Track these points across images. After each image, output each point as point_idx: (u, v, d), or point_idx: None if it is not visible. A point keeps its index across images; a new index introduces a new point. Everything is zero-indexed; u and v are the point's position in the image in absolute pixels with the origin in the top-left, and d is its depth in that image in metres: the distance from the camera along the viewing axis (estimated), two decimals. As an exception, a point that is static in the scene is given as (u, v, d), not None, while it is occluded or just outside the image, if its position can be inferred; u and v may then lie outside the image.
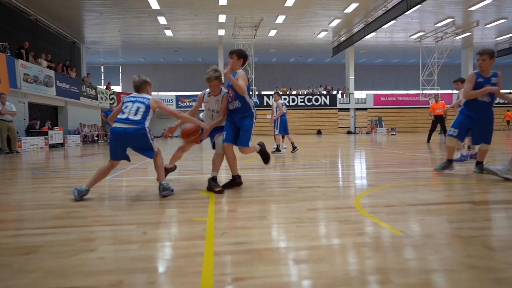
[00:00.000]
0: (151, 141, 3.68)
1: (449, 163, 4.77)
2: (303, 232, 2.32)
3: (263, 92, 31.50)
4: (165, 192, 3.59)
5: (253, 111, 4.06)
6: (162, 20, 21.58)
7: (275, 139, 9.47)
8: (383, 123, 27.92)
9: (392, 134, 23.61)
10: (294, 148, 9.34)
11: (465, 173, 4.83)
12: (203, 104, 4.31)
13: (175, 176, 5.27)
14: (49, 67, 16.52)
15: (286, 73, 37.10)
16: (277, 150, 9.34)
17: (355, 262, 1.78)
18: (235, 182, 4.10)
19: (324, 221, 2.59)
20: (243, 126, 3.96)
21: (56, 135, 15.52)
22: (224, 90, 4.11)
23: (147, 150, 3.68)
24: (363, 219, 2.60)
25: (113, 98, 23.55)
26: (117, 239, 2.24)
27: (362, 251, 1.93)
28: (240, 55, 3.94)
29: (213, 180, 3.86)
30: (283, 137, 10.26)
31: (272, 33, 25.41)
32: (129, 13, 20.52)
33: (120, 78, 36.74)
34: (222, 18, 21.80)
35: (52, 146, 15.03)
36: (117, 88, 32.84)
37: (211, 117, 4.29)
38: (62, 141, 15.94)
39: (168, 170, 4.56)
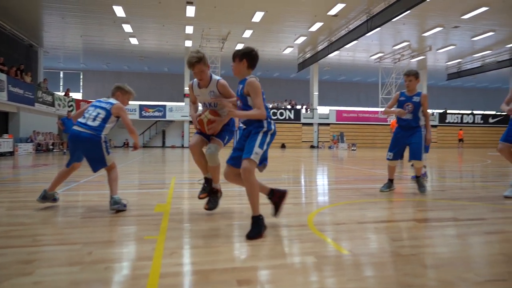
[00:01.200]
0: (105, 153, 3.53)
1: (390, 182, 4.93)
2: (253, 251, 2.34)
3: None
4: (116, 206, 3.45)
5: (267, 123, 2.87)
6: (127, 28, 21.17)
7: None
8: (344, 139, 28.87)
9: (352, 149, 24.47)
10: None
11: (413, 191, 5.09)
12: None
13: (130, 190, 5.11)
14: (0, 70, 15.57)
15: (252, 86, 37.41)
16: None
17: (300, 283, 1.82)
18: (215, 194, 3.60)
19: (275, 240, 2.62)
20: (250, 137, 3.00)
21: (4, 143, 14.55)
22: (216, 77, 3.32)
23: (97, 161, 3.52)
24: (314, 237, 2.66)
25: (72, 105, 22.55)
26: (58, 261, 2.13)
27: (308, 272, 1.98)
28: (241, 56, 2.91)
29: (206, 182, 3.55)
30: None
31: (239, 46, 25.69)
32: (93, 19, 19.95)
33: (81, 84, 35.35)
34: (189, 29, 21.78)
35: (0, 155, 14.07)
36: (77, 95, 31.52)
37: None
38: (11, 150, 14.97)
39: (209, 184, 3.61)
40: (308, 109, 30.93)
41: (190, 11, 18.54)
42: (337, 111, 31.05)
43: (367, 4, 17.66)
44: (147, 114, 27.71)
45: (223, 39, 23.67)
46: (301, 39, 23.81)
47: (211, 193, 3.55)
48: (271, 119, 2.96)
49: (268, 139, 2.85)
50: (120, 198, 3.54)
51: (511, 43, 23.82)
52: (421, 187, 4.73)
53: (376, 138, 30.45)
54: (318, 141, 30.32)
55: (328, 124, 30.70)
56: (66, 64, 32.09)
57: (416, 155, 4.67)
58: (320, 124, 30.49)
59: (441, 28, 20.80)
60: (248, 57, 2.93)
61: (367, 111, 32.27)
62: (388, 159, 4.94)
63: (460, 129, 30.54)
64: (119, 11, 18.37)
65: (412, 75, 4.72)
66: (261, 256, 2.26)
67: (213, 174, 3.51)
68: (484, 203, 4.09)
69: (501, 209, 3.77)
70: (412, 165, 6.95)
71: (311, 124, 30.42)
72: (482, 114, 33.82)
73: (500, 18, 19.01)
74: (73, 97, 23.81)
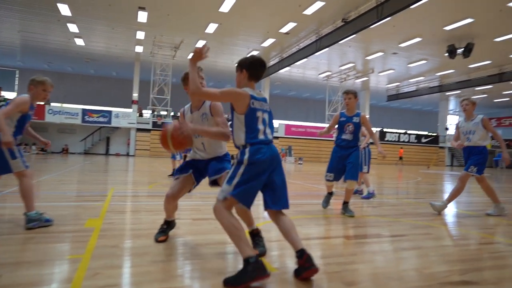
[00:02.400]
0: (9, 155, 3.16)
1: (329, 195, 5.02)
2: (182, 271, 2.31)
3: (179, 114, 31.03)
4: (32, 224, 3.14)
5: (240, 152, 2.41)
6: (73, 27, 20.07)
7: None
8: (292, 152, 29.68)
9: (299, 163, 25.22)
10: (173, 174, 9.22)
11: (351, 207, 5.37)
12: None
13: (61, 203, 4.79)
14: None
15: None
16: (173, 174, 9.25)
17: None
18: None
19: (209, 258, 2.62)
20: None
21: None
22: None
23: None
24: (245, 255, 2.70)
25: (3, 105, 20.66)
26: (-39, 285, 1.94)
27: (233, 291, 2.00)
28: (240, 66, 2.53)
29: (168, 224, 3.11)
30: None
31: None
32: (34, 15, 18.63)
33: (16, 83, 32.62)
34: (140, 35, 21.22)
35: None
36: (11, 94, 28.99)
37: (202, 146, 2.95)
38: None
39: (169, 227, 3.16)
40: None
41: (142, 16, 18.12)
42: (286, 125, 31.90)
43: (317, 25, 18.58)
44: (90, 119, 26.26)
45: (175, 47, 23.39)
46: (253, 53, 24.24)
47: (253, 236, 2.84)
48: (254, 143, 2.35)
49: (241, 170, 2.31)
50: (40, 213, 3.26)
51: (440, 71, 26.39)
52: (350, 212, 4.59)
53: (321, 153, 31.69)
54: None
55: (277, 138, 31.38)
56: (0, 60, 29.50)
57: (353, 175, 4.61)
58: (274, 137, 31.02)
59: (382, 53, 22.48)
60: (249, 67, 2.49)
61: (315, 126, 33.57)
62: (327, 180, 4.81)
63: (401, 148, 32.96)
64: (64, 9, 17.38)
65: (352, 93, 4.72)
66: (192, 277, 2.25)
67: (244, 219, 2.79)
68: (407, 220, 4.44)
69: (420, 226, 4.12)
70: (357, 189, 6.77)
71: (261, 137, 30.84)
72: (416, 134, 36.79)
73: (431, 48, 21.04)
74: (5, 97, 21.87)
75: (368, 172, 6.86)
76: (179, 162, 9.39)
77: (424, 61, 23.72)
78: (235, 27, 19.29)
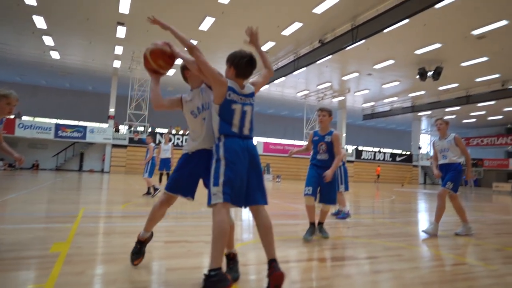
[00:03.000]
0: None
1: (312, 227, 4.47)
2: (151, 299, 2.23)
3: (157, 130, 30.66)
4: None
5: (215, 146, 2.48)
6: (48, 40, 19.66)
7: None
8: (270, 170, 29.73)
9: (277, 181, 25.27)
10: (148, 193, 9.07)
11: (327, 228, 5.39)
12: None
13: (26, 224, 4.56)
14: None
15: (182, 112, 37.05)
16: (148, 193, 9.05)
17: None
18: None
19: (182, 285, 2.55)
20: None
21: None
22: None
23: None
24: (217, 281, 2.64)
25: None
26: None
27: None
28: (229, 62, 2.54)
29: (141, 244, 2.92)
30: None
31: (171, 72, 25.48)
32: (7, 26, 18.13)
33: (-14, 96, 31.33)
34: (119, 49, 21.04)
35: None
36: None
37: (201, 122, 2.71)
38: None
39: (145, 242, 2.99)
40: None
41: (121, 31, 18.02)
42: (265, 143, 32.05)
43: (295, 46, 19.05)
44: (64, 134, 25.46)
45: (154, 63, 23.27)
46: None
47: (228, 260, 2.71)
48: (228, 134, 2.35)
49: (222, 170, 2.30)
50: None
51: (412, 92, 27.46)
52: (325, 233, 4.54)
53: (300, 171, 31.92)
54: (246, 171, 30.71)
55: (255, 155, 31.41)
56: (-31, 71, 28.41)
57: (329, 199, 4.39)
58: (248, 154, 31.01)
59: (357, 74, 23.21)
60: (236, 66, 2.48)
61: (293, 144, 33.92)
62: (306, 194, 4.39)
63: (378, 166, 33.72)
64: (40, 22, 17.04)
65: (326, 111, 4.61)
66: (158, 305, 2.17)
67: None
68: (380, 241, 4.50)
69: (393, 247, 4.18)
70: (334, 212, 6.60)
71: (239, 154, 30.80)
72: (391, 153, 37.77)
73: (403, 71, 21.93)
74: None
75: (346, 190, 6.94)
76: (152, 180, 9.22)
77: (397, 83, 24.64)
78: (215, 44, 19.48)
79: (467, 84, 24.08)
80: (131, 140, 27.03)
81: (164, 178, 10.85)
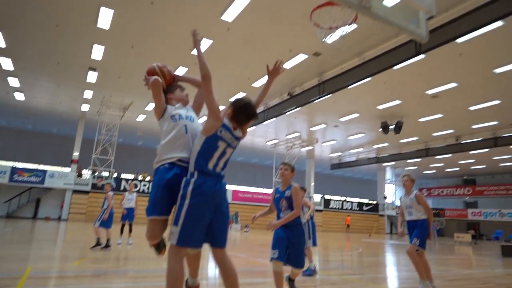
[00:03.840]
0: None
1: None
2: None
3: (123, 175, 29.69)
4: None
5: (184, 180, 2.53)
6: (13, 82, 19.17)
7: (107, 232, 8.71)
8: (239, 219, 29.15)
9: (245, 231, 24.70)
10: (107, 245, 8.59)
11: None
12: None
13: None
14: None
15: (151, 158, 36.16)
16: (107, 245, 8.51)
17: None
18: None
19: None
20: None
21: None
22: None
23: None
24: None
25: None
26: None
27: None
28: (232, 104, 2.71)
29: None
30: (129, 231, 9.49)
31: (141, 117, 25.35)
32: (-30, 67, 17.61)
33: None
34: (88, 94, 20.81)
35: None
36: None
37: (181, 128, 2.85)
38: None
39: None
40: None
41: (92, 77, 17.96)
42: (234, 190, 31.71)
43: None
44: (20, 178, 23.97)
45: (124, 108, 23.14)
46: (203, 119, 24.61)
47: None
48: (202, 172, 2.37)
49: (184, 210, 2.26)
50: None
51: (376, 144, 28.76)
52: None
53: (268, 220, 31.47)
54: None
55: (224, 203, 30.85)
56: None
57: (298, 262, 4.03)
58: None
59: (325, 125, 24.14)
60: (235, 111, 2.60)
61: (262, 192, 33.79)
62: (272, 258, 3.98)
63: (348, 215, 34.00)
64: (6, 63, 16.71)
65: (289, 165, 4.38)
66: None
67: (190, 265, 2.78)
68: (347, 302, 4.39)
69: (360, 309, 4.08)
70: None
71: (207, 201, 30.13)
72: (358, 202, 38.42)
73: (367, 124, 23.10)
74: None
75: (314, 245, 6.85)
76: (104, 231, 8.73)
77: (362, 134, 25.79)
78: (187, 93, 19.76)
79: (425, 138, 25.61)
80: (94, 185, 25.85)
81: (126, 229, 10.31)
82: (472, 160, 31.04)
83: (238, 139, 2.66)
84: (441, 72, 14.54)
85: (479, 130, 22.35)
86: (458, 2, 9.82)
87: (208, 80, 2.56)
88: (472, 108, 18.36)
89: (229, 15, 11.32)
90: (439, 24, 10.20)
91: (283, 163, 4.50)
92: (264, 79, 16.62)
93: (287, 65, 14.96)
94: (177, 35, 12.99)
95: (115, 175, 27.41)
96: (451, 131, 23.26)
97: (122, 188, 26.60)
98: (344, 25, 4.22)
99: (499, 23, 10.13)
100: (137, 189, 26.70)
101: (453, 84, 15.54)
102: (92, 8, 11.48)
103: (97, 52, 14.85)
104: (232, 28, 12.17)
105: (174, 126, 2.84)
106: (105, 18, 11.91)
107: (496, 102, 17.26)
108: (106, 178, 26.40)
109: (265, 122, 21.23)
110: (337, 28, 4.35)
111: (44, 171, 25.04)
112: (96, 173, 26.78)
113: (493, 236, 31.55)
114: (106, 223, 8.68)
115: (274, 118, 20.44)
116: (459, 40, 10.90)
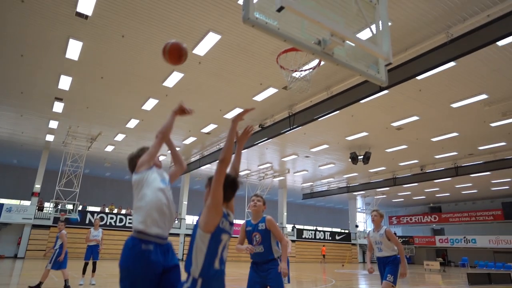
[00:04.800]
0: None
1: None
2: None
3: (89, 208, 28.33)
4: None
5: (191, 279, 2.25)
6: (-29, 111, 18.25)
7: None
8: (211, 251, 28.28)
9: (218, 264, 23.91)
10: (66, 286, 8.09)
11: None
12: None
13: None
14: None
15: (119, 190, 35.13)
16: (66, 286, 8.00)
17: None
18: None
19: None
20: None
21: None
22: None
23: None
24: None
25: None
26: None
27: None
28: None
29: None
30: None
31: (109, 148, 24.65)
32: None
33: None
34: (53, 124, 20.09)
35: None
36: None
37: (168, 197, 2.77)
38: None
39: None
40: (176, 218, 30.02)
41: (58, 107, 17.42)
42: (206, 222, 30.92)
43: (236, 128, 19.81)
44: (-28, 213, 22.24)
45: (92, 138, 22.45)
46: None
47: None
48: (208, 277, 2.07)
49: None
50: None
51: (347, 174, 29.37)
52: None
53: (240, 254, 30.80)
54: (183, 253, 28.84)
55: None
56: None
57: None
58: (187, 235, 29.54)
59: (296, 156, 24.47)
60: (224, 185, 2.32)
61: (234, 223, 33.14)
62: None
63: (324, 245, 33.84)
64: (-35, 93, 15.95)
65: (260, 197, 4.26)
66: None
67: None
68: None
69: None
70: None
71: (177, 235, 29.18)
72: (331, 231, 38.54)
73: (337, 154, 23.67)
74: None
75: (288, 283, 6.70)
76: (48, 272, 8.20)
77: (332, 165, 26.32)
78: (157, 124, 19.55)
79: (393, 168, 26.49)
80: (56, 220, 24.38)
81: (89, 268, 9.70)
82: (437, 189, 32.28)
83: (233, 224, 2.44)
84: (404, 106, 15.33)
85: (441, 160, 23.45)
86: (415, 43, 10.58)
87: (225, 165, 2.31)
88: (433, 139, 19.33)
89: (201, 49, 11.53)
90: (400, 63, 10.89)
91: (255, 194, 4.35)
92: (236, 110, 16.83)
93: (258, 98, 15.27)
94: (148, 67, 13.00)
95: (80, 208, 26.08)
96: (416, 161, 24.25)
97: (87, 221, 25.31)
98: (309, 70, 4.44)
99: (452, 63, 10.94)
100: (103, 222, 25.49)
101: (415, 117, 16.38)
102: (61, 40, 11.34)
103: (65, 82, 14.52)
104: (204, 61, 12.36)
105: (163, 196, 2.71)
106: (74, 49, 11.77)
107: (455, 134, 18.30)
108: (70, 211, 25.05)
109: (237, 153, 21.23)
110: (302, 71, 4.55)
111: (1, 205, 23.43)
112: (59, 206, 25.37)
113: (460, 263, 32.40)
114: (60, 264, 8.13)
115: (246, 149, 20.51)
116: (419, 77, 11.63)
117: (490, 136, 18.54)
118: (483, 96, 13.89)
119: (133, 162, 2.96)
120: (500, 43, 9.98)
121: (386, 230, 5.33)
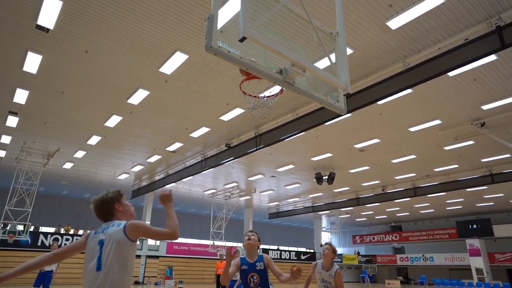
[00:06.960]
0: None
1: None
2: None
3: (42, 229, 26.52)
4: None
5: None
6: None
7: None
8: (173, 274, 27.28)
9: (180, 287, 23.04)
10: None
11: None
12: None
13: None
14: None
15: (76, 209, 33.30)
16: None
17: None
18: None
19: None
20: None
21: None
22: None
23: None
24: None
25: None
26: None
27: None
28: None
29: None
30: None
31: (68, 165, 23.46)
32: None
33: None
34: (6, 139, 18.88)
35: None
36: None
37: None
38: None
39: None
40: (137, 239, 28.75)
41: (12, 121, 16.43)
42: (168, 243, 29.91)
43: (202, 147, 19.64)
44: None
45: (49, 155, 21.28)
46: (138, 168, 23.69)
47: None
48: None
49: None
50: None
51: (312, 193, 29.79)
52: None
53: (205, 273, 29.94)
54: (144, 276, 27.55)
55: (157, 257, 28.81)
56: None
57: None
58: (148, 256, 28.32)
59: (262, 176, 24.53)
60: None
61: (199, 244, 32.38)
62: None
63: (294, 266, 33.47)
64: None
65: (255, 232, 4.04)
66: None
67: None
68: None
69: None
70: None
71: (138, 256, 27.90)
72: (296, 251, 38.53)
73: (303, 174, 24.01)
74: None
75: None
76: None
77: (298, 185, 26.60)
78: (120, 141, 18.96)
79: (356, 188, 27.23)
80: (3, 242, 22.56)
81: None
82: (397, 208, 33.47)
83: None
84: (365, 129, 15.95)
85: (401, 180, 24.46)
86: (375, 70, 11.15)
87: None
88: (393, 161, 20.17)
89: (168, 68, 11.44)
90: (362, 88, 11.39)
91: (251, 231, 4.13)
92: (203, 130, 16.69)
93: (225, 118, 15.28)
94: (112, 83, 12.67)
95: (31, 228, 24.29)
96: (377, 181, 25.10)
97: (39, 243, 23.65)
98: (271, 96, 4.52)
99: (409, 90, 11.61)
100: (58, 243, 23.87)
101: (377, 140, 17.07)
102: (18, 52, 10.82)
103: (21, 96, 13.78)
104: (170, 80, 12.25)
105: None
106: (32, 62, 11.26)
107: (413, 156, 19.23)
108: (21, 232, 23.27)
109: (202, 172, 20.92)
110: (264, 98, 4.63)
111: None
112: (8, 227, 23.51)
113: (419, 281, 33.41)
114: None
115: (212, 168, 20.29)
116: (379, 102, 12.20)
117: (444, 159, 19.66)
118: (437, 122, 14.79)
119: (106, 206, 2.70)
120: (451, 73, 10.74)
121: (337, 272, 4.80)
